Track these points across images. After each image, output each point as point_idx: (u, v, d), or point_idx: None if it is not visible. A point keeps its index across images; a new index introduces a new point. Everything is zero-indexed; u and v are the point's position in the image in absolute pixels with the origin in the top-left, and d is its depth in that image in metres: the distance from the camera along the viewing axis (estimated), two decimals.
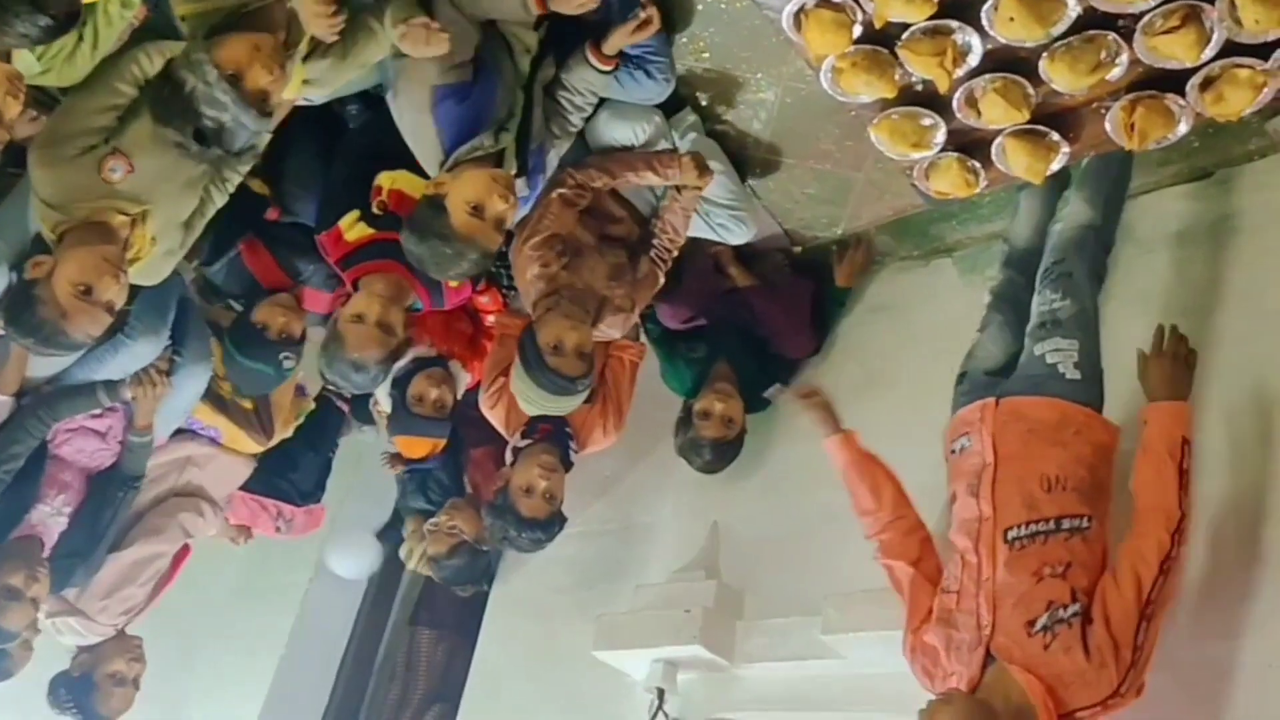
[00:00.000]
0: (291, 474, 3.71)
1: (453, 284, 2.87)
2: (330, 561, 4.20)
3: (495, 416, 3.24)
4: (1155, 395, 2.19)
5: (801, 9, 1.79)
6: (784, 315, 3.39)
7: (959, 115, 1.87)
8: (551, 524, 3.07)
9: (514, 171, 2.61)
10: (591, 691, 3.36)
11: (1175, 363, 2.22)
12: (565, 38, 2.75)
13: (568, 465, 3.15)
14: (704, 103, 3.08)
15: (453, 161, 2.53)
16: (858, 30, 1.77)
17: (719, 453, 3.16)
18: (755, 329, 3.36)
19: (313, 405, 3.68)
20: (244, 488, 3.50)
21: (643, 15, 2.64)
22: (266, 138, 2.49)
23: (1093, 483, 2.18)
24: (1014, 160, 1.90)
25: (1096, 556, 2.11)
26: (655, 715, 3.04)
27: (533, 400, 2.91)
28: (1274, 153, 2.79)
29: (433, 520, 3.53)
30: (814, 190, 3.27)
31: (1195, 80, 1.73)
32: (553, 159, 2.85)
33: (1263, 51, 1.67)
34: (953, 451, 2.38)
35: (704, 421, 3.15)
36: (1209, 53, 1.67)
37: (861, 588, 2.72)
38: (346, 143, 2.97)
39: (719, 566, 3.24)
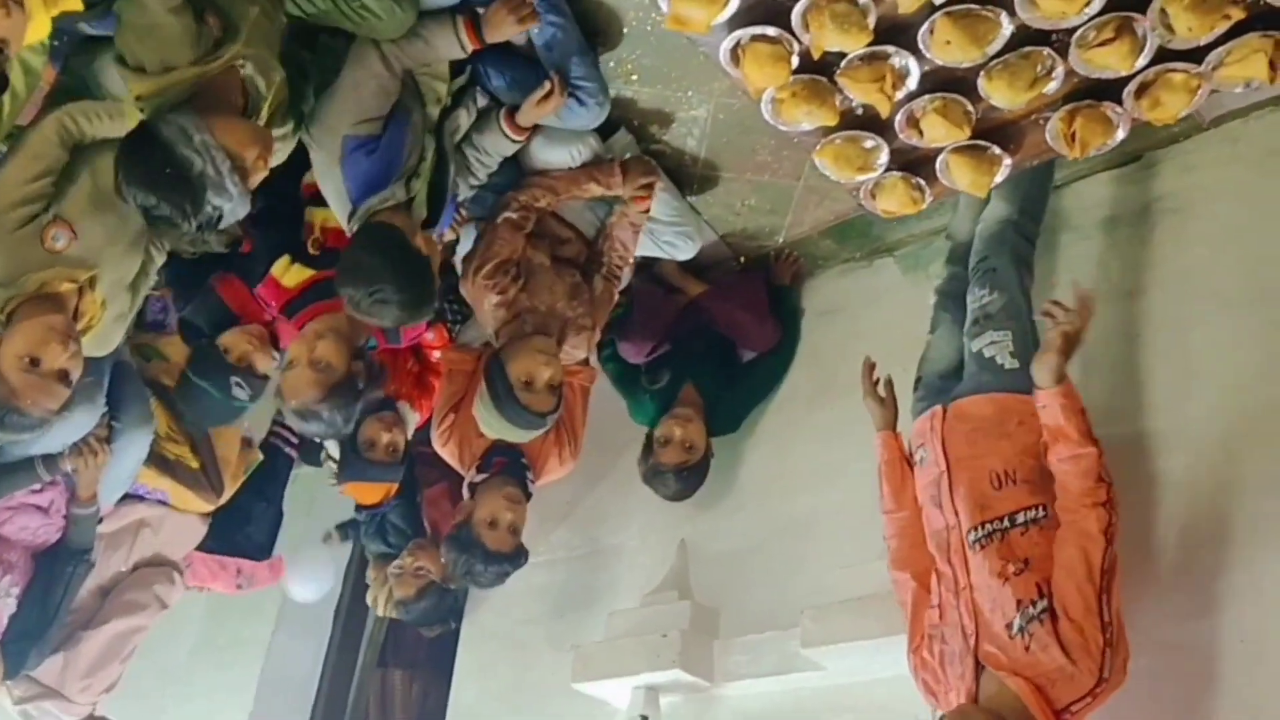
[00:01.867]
0: (246, 528, 3.63)
1: None
2: (291, 589, 4.08)
3: (449, 453, 3.18)
4: (1049, 380, 2.13)
5: (738, 44, 1.77)
6: (742, 309, 3.38)
7: (901, 136, 1.87)
8: (516, 557, 3.05)
9: (423, 218, 2.58)
10: None
11: (1073, 349, 2.16)
12: (478, 90, 2.77)
13: (527, 496, 3.12)
14: (637, 124, 3.05)
15: (364, 212, 2.47)
16: (795, 61, 1.76)
17: (682, 479, 3.14)
18: (719, 338, 3.36)
19: (260, 457, 3.60)
20: (200, 547, 3.42)
21: (546, 87, 2.65)
22: None
23: (1041, 470, 2.19)
24: (958, 176, 1.91)
25: (1092, 539, 2.08)
26: None
27: (496, 431, 2.89)
28: (1198, 133, 2.84)
29: (397, 563, 3.47)
30: (754, 202, 3.27)
31: (1131, 88, 1.75)
32: (450, 210, 2.82)
33: (1195, 55, 1.69)
34: (918, 462, 2.39)
35: (663, 448, 3.14)
36: (1142, 60, 1.68)
37: (836, 597, 2.73)
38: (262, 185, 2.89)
39: (690, 586, 3.23)
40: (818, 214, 3.28)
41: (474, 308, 2.99)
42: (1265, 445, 2.41)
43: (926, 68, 1.74)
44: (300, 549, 3.96)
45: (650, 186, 2.99)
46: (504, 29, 2.50)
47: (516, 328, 2.85)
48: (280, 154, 2.44)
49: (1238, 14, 1.57)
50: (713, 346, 3.35)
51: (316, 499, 4.12)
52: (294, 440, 3.73)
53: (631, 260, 3.16)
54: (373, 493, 3.41)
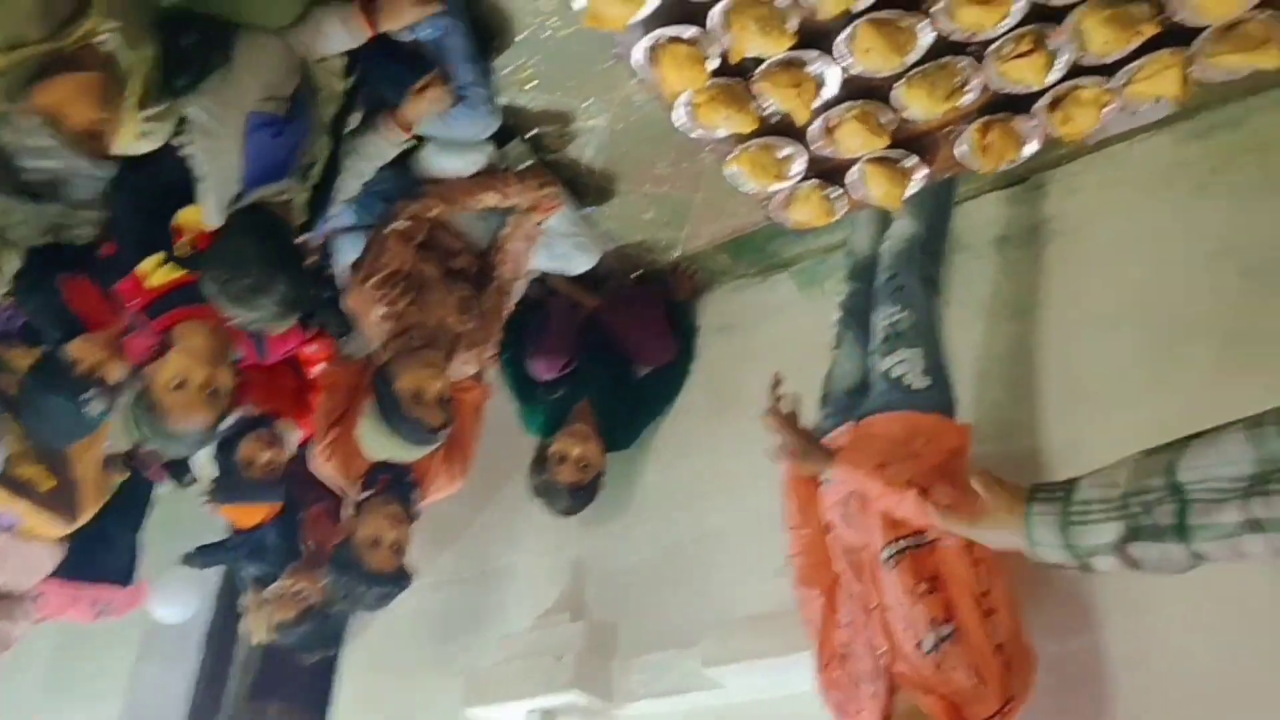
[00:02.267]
0: (105, 554, 3.39)
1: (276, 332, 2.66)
2: (155, 611, 3.83)
3: (330, 471, 3.01)
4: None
5: (655, 45, 1.72)
6: (638, 322, 3.34)
7: (817, 144, 1.84)
8: (400, 578, 2.92)
9: (303, 221, 2.45)
10: None
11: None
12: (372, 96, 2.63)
13: (413, 515, 3.00)
14: (534, 133, 2.97)
15: (254, 199, 2.31)
16: (713, 64, 1.71)
17: (576, 497, 3.07)
18: (617, 354, 3.30)
19: (124, 476, 3.37)
20: (54, 575, 3.17)
21: (427, 77, 2.55)
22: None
23: (951, 487, 2.13)
24: (873, 186, 1.89)
25: (965, 561, 2.09)
26: None
27: (384, 448, 2.74)
28: (1084, 156, 2.92)
29: (275, 586, 3.29)
30: (651, 214, 3.22)
31: (1043, 102, 1.76)
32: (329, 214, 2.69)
33: (1107, 71, 1.71)
34: (824, 479, 2.36)
35: (560, 466, 3.06)
36: (1056, 75, 1.70)
37: (736, 615, 2.70)
38: (131, 178, 2.66)
39: (586, 606, 3.15)
40: (714, 228, 3.25)
41: (359, 319, 2.85)
42: None
43: (845, 75, 1.72)
44: (164, 570, 3.73)
45: (549, 198, 2.90)
46: (402, 13, 2.37)
47: (404, 342, 2.73)
48: (156, 136, 2.26)
49: (1151, 29, 1.59)
50: (610, 361, 3.29)
51: (182, 520, 3.87)
52: (159, 459, 3.50)
53: (524, 273, 3.07)
54: (252, 514, 3.23)
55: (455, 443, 3.17)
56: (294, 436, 3.28)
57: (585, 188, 3.13)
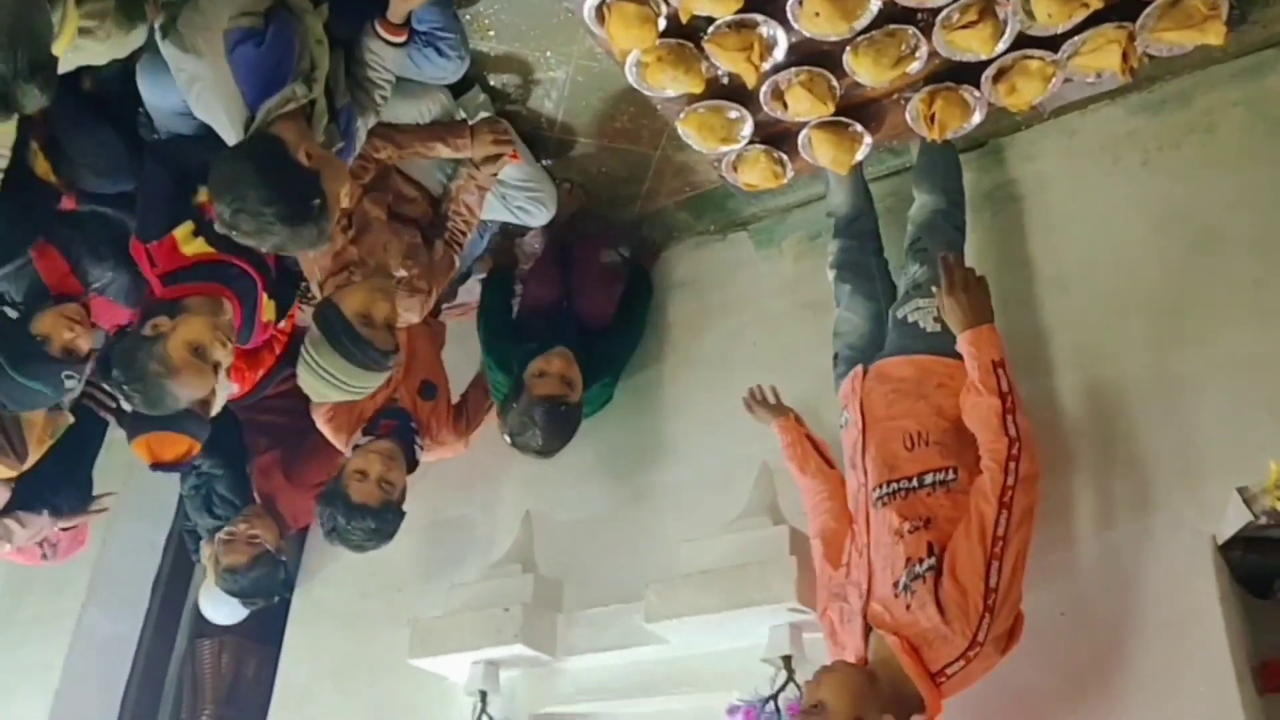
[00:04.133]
0: (52, 497, 3.35)
1: (264, 318, 2.64)
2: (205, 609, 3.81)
3: (334, 428, 3.01)
4: (960, 327, 2.15)
5: (603, 2, 1.70)
6: (584, 279, 3.32)
7: (765, 108, 1.84)
8: (384, 513, 2.89)
9: (325, 120, 2.37)
10: (410, 699, 3.25)
11: (969, 291, 2.17)
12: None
13: (413, 464, 3.02)
14: (493, 83, 2.95)
15: (265, 115, 2.23)
16: (662, 24, 1.70)
17: (556, 418, 2.90)
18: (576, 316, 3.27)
19: (70, 420, 3.33)
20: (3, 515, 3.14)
21: None
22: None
23: (956, 433, 2.16)
24: (820, 151, 1.89)
25: (963, 508, 2.06)
26: (479, 719, 2.95)
27: (333, 380, 2.64)
28: (1039, 123, 2.93)
29: (228, 529, 3.27)
30: (610, 169, 3.20)
31: (989, 72, 1.76)
32: (362, 131, 2.58)
33: (1052, 43, 1.71)
34: (842, 426, 2.39)
35: (539, 380, 2.92)
36: (1002, 45, 1.70)
37: (681, 571, 2.73)
38: (164, 146, 2.63)
39: (535, 558, 3.17)
40: (674, 185, 3.25)
41: (299, 256, 2.82)
42: (1094, 425, 2.53)
43: (794, 39, 1.71)
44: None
45: (499, 158, 2.87)
46: None
47: (343, 280, 2.70)
48: (97, 45, 2.21)
49: (1095, 3, 1.60)
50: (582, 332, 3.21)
51: (134, 467, 3.85)
52: (110, 402, 3.45)
53: (476, 225, 3.05)
54: (175, 444, 3.08)
55: (467, 404, 3.33)
56: (231, 389, 3.23)
57: (544, 140, 3.11)
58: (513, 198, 3.05)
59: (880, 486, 2.14)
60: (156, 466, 3.04)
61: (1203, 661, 2.20)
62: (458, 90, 2.89)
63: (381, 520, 2.88)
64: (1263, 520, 2.27)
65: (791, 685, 2.56)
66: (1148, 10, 1.63)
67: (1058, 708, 2.13)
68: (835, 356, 2.58)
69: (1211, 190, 2.66)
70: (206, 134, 2.41)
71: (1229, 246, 2.58)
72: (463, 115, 2.92)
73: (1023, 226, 2.89)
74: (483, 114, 2.95)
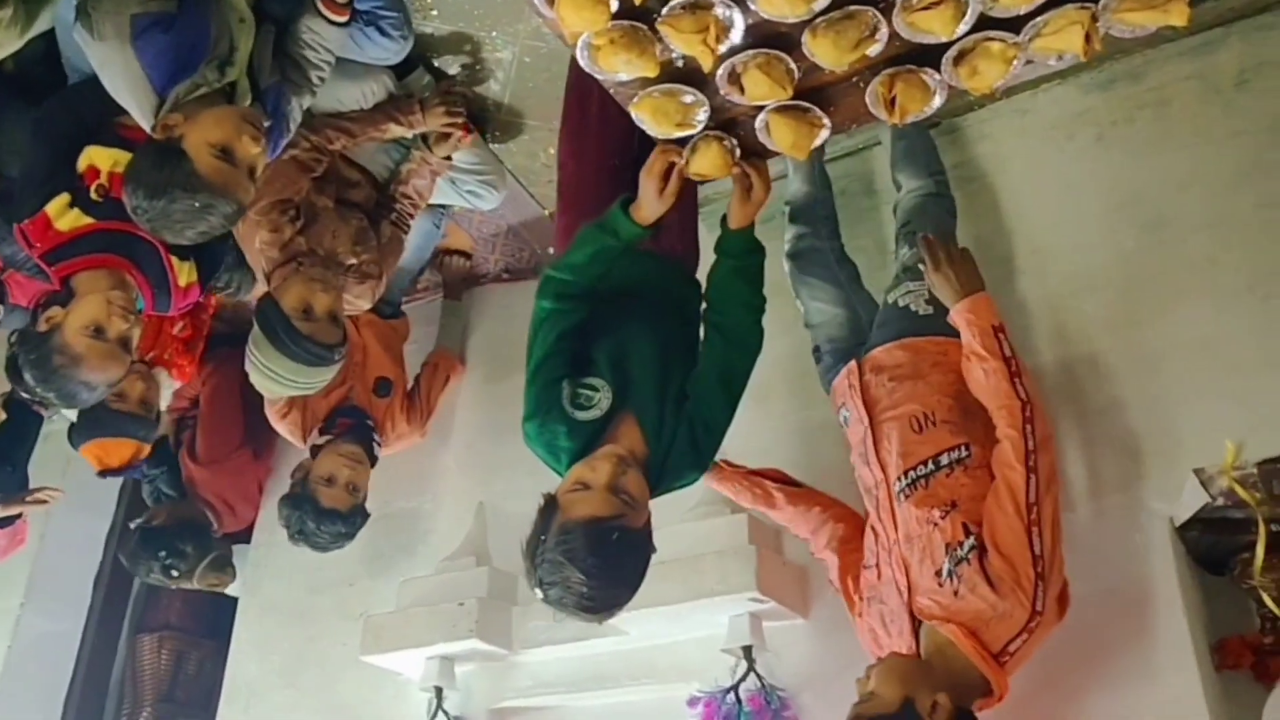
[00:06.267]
0: None
1: (181, 282, 2.51)
2: None
3: (289, 425, 3.04)
4: (951, 300, 2.15)
5: None
6: None
7: (722, 92, 1.78)
8: (353, 517, 2.97)
9: (248, 100, 2.28)
10: (363, 695, 3.19)
11: (956, 264, 2.18)
12: None
13: (373, 459, 3.06)
14: (436, 64, 2.86)
15: (174, 101, 2.16)
16: (615, 5, 1.64)
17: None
18: None
19: (3, 417, 3.22)
20: None
21: None
22: None
23: (962, 409, 2.13)
24: (779, 137, 1.84)
25: (985, 483, 2.03)
26: (434, 715, 2.90)
27: (279, 378, 2.58)
28: (992, 102, 2.90)
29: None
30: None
31: (950, 54, 1.72)
32: (295, 111, 2.47)
33: (1014, 25, 1.68)
34: (843, 423, 2.34)
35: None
36: (964, 27, 1.66)
37: None
38: (45, 112, 2.50)
39: (489, 551, 3.12)
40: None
41: (243, 246, 2.72)
42: (1050, 408, 2.50)
43: (751, 21, 1.66)
44: None
45: (451, 138, 2.81)
46: None
47: (290, 270, 2.62)
48: (26, 31, 2.17)
49: None
50: None
51: (72, 460, 3.73)
52: None
53: (423, 209, 2.99)
54: (122, 450, 2.99)
55: (420, 391, 3.32)
56: (172, 385, 3.15)
57: (492, 122, 3.03)
58: (462, 181, 2.99)
59: (901, 478, 2.09)
60: (105, 472, 2.97)
61: (1163, 640, 2.22)
62: (402, 72, 2.80)
63: (350, 524, 2.96)
64: (1219, 501, 2.29)
65: (752, 675, 2.55)
66: None
67: (1022, 687, 2.11)
68: (816, 350, 2.53)
69: (1165, 167, 2.66)
70: None
71: (1183, 225, 2.58)
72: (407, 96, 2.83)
73: (978, 207, 2.87)
74: (427, 95, 2.86)
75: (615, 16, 1.65)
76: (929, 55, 1.72)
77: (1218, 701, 2.19)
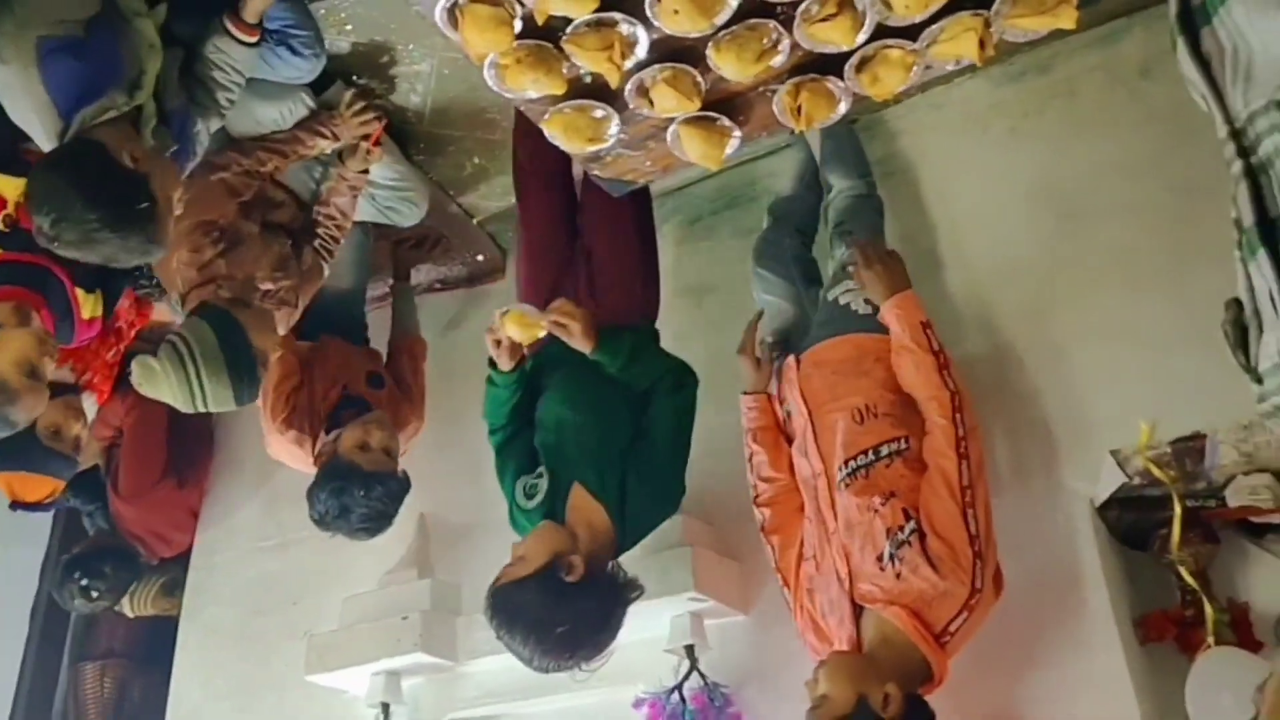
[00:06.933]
0: None
1: (85, 315, 2.47)
2: None
3: (291, 440, 2.87)
4: (881, 297, 2.25)
5: (454, 5, 1.64)
6: None
7: (631, 106, 1.80)
8: (394, 480, 2.76)
9: (154, 123, 2.23)
10: (311, 715, 3.17)
11: (884, 262, 2.30)
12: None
13: None
14: (354, 78, 2.84)
15: (80, 124, 2.10)
16: (519, 25, 1.65)
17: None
18: None
19: None
20: None
21: None
22: None
23: (902, 404, 2.19)
24: (689, 147, 1.87)
25: (920, 476, 2.09)
26: None
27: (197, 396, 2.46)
28: (907, 98, 2.94)
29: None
30: (482, 161, 3.13)
31: (852, 62, 1.76)
32: (203, 134, 2.44)
33: (911, 33, 1.71)
34: (786, 417, 2.38)
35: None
36: (862, 36, 1.69)
37: None
38: None
39: (431, 563, 3.11)
40: None
41: (157, 265, 2.66)
42: (973, 394, 2.56)
43: (655, 36, 1.68)
44: None
45: (360, 150, 2.79)
46: None
47: (210, 293, 2.57)
48: None
49: None
50: None
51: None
52: None
53: (348, 229, 2.94)
54: (40, 486, 2.97)
55: (402, 382, 3.19)
56: (92, 410, 3.10)
57: (413, 135, 3.02)
58: (382, 197, 2.97)
59: (842, 468, 2.14)
60: (17, 505, 2.89)
61: (1090, 617, 2.29)
62: (317, 88, 2.77)
63: (395, 487, 2.75)
64: (1136, 481, 2.36)
65: (695, 674, 2.58)
66: None
67: (957, 669, 2.15)
68: (767, 344, 2.57)
69: (1077, 156, 2.72)
70: None
71: (1097, 212, 2.64)
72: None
73: (900, 200, 2.92)
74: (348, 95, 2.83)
75: (520, 36, 1.66)
76: (832, 63, 1.76)
77: (1143, 674, 2.26)
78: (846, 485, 2.12)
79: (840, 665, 1.94)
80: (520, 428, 2.46)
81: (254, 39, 2.34)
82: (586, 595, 2.09)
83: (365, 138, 2.79)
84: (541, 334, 2.31)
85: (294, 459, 2.91)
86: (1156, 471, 2.30)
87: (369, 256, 3.29)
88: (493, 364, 2.42)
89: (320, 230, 2.86)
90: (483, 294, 3.56)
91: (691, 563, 2.54)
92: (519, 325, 2.30)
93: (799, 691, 2.45)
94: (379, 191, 2.94)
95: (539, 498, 2.31)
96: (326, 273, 2.86)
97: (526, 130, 2.45)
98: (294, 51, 2.51)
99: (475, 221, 3.35)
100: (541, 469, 2.33)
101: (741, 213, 3.16)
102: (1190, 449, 2.30)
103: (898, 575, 1.98)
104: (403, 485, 2.77)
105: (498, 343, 2.35)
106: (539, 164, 2.70)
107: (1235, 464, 2.26)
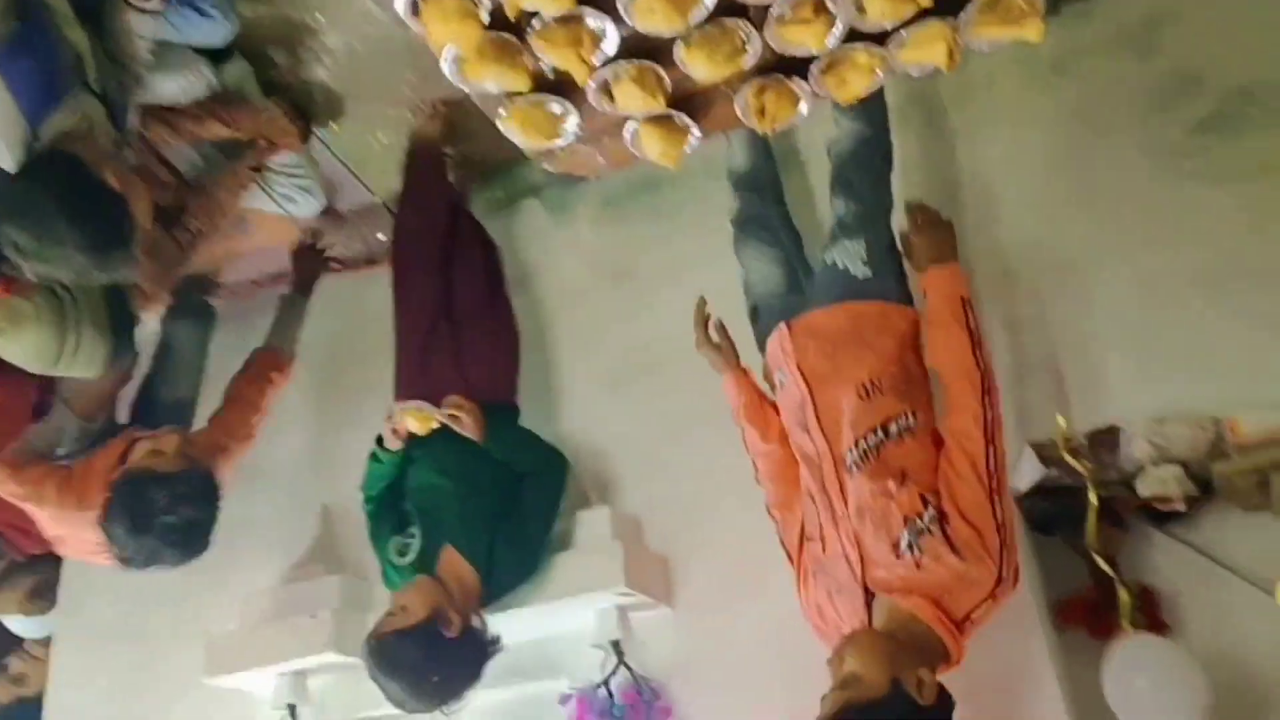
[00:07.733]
0: None
1: None
2: None
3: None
4: (923, 265, 2.15)
5: None
6: None
7: (593, 102, 1.73)
8: (197, 476, 2.65)
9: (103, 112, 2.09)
10: (208, 717, 3.00)
11: (934, 230, 2.19)
12: None
13: None
14: (256, 50, 2.66)
15: (53, 133, 1.96)
16: (485, 18, 1.55)
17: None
18: None
19: None
20: None
21: None
22: None
23: (905, 376, 2.10)
24: (648, 145, 1.81)
25: (929, 449, 2.03)
26: None
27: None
28: None
29: None
30: (390, 139, 2.98)
31: (819, 65, 1.73)
32: (133, 115, 2.28)
33: (879, 37, 1.70)
34: (779, 386, 2.25)
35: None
36: (833, 40, 1.67)
37: None
38: None
39: (339, 557, 2.99)
40: (461, 151, 3.06)
41: None
42: None
43: (625, 33, 1.61)
44: None
45: (284, 135, 2.66)
46: None
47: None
48: None
49: (927, 1, 1.59)
50: None
51: None
52: None
53: (220, 225, 2.77)
54: None
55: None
56: None
57: (316, 111, 2.86)
58: (277, 184, 2.81)
59: (853, 449, 2.03)
60: None
61: (1012, 604, 2.33)
62: (215, 59, 2.59)
63: (206, 485, 2.67)
64: (1053, 472, 2.44)
65: (622, 669, 2.56)
66: (971, 5, 1.64)
67: None
68: (754, 310, 2.45)
69: (992, 148, 2.77)
70: None
71: (1007, 206, 2.70)
72: (224, 87, 2.62)
73: (814, 192, 2.91)
74: (245, 85, 2.66)
75: (486, 29, 1.57)
76: (797, 64, 1.73)
77: (1060, 658, 2.35)
78: (859, 468, 2.02)
79: (872, 645, 1.84)
80: (394, 498, 2.67)
81: (158, 6, 2.16)
82: (461, 649, 2.33)
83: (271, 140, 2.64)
84: (436, 425, 2.55)
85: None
86: (1073, 463, 2.38)
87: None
88: (379, 442, 2.65)
89: (191, 224, 2.66)
90: (383, 273, 3.40)
91: (621, 557, 2.51)
92: (417, 418, 2.56)
93: (726, 682, 2.51)
94: (274, 178, 2.79)
95: (411, 556, 2.50)
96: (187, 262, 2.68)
97: (417, 205, 2.84)
98: (201, 13, 2.36)
99: (379, 200, 3.19)
100: (414, 529, 2.54)
101: (658, 197, 3.10)
102: (1105, 440, 2.39)
103: (918, 564, 1.90)
104: (208, 483, 2.63)
105: (394, 431, 2.58)
106: (424, 247, 2.84)
107: (1146, 455, 2.36)
